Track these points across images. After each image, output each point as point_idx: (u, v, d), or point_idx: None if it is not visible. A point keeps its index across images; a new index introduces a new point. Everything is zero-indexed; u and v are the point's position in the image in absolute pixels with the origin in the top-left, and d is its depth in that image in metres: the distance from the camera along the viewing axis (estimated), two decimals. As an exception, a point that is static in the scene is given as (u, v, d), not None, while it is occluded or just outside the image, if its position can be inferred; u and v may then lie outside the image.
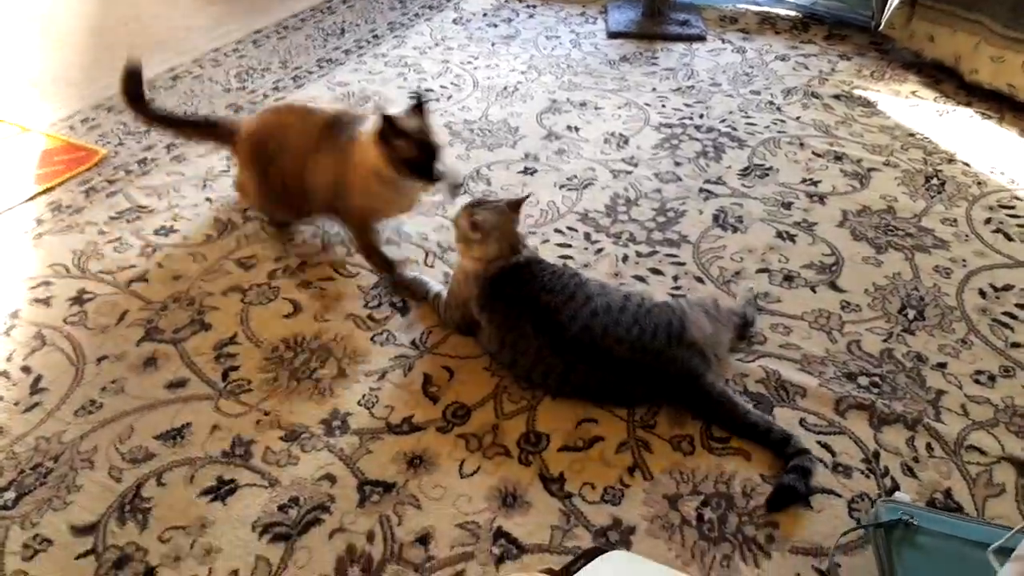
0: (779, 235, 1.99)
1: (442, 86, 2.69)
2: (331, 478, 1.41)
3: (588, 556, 0.77)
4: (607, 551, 0.72)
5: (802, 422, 1.51)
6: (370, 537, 1.32)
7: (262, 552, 1.30)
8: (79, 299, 1.80)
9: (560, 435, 1.49)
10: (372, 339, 1.70)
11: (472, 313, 1.61)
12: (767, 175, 2.21)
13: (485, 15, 3.22)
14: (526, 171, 2.24)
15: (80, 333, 1.71)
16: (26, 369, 1.62)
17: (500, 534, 1.32)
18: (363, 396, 1.57)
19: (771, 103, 2.56)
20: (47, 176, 2.20)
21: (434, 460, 1.45)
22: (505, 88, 2.67)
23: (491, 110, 2.54)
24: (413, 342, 1.69)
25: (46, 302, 1.79)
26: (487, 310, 1.58)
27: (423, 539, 1.32)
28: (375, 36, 3.05)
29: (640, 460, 1.44)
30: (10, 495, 1.38)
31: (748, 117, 2.48)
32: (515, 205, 1.62)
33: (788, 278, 1.85)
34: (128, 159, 2.29)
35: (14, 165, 2.25)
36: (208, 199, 2.12)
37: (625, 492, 1.39)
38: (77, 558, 1.29)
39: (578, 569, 0.74)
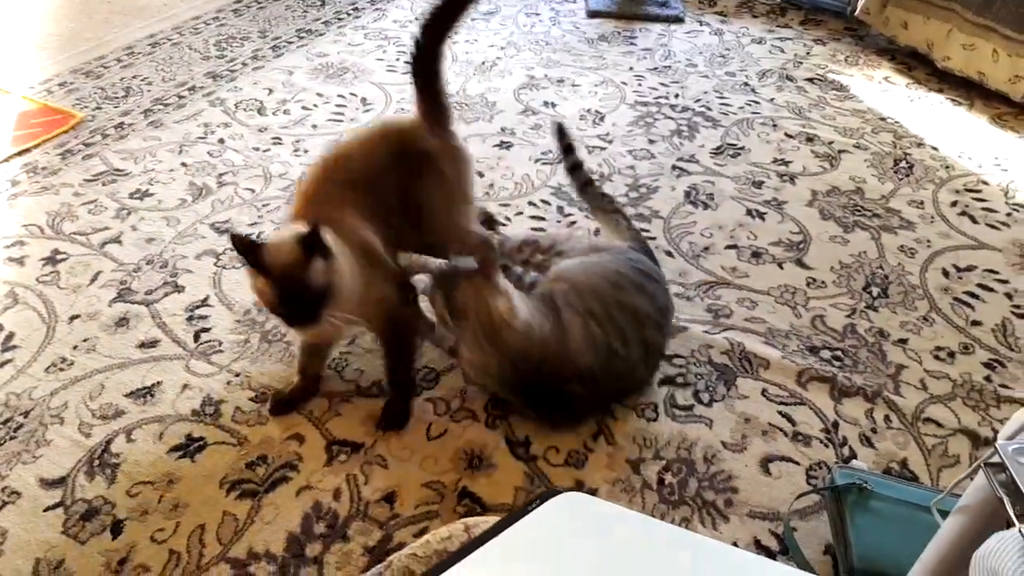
0: (749, 213, 2.02)
1: (422, 60, 2.69)
2: (299, 438, 1.43)
3: (543, 498, 0.79)
4: (562, 492, 0.74)
5: (764, 392, 1.54)
6: (336, 495, 1.34)
7: (229, 508, 1.32)
8: (52, 259, 1.79)
9: (527, 400, 1.52)
10: (344, 304, 1.71)
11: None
12: (739, 154, 2.24)
13: (467, -9, 3.21)
14: (502, 144, 2.26)
15: (53, 292, 1.71)
16: (-3, 327, 1.63)
17: (465, 494, 1.35)
18: (333, 360, 1.59)
19: (746, 84, 2.59)
20: (23, 138, 2.19)
21: (402, 422, 1.47)
22: (483, 63, 2.68)
23: (469, 84, 2.55)
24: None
25: (20, 261, 1.79)
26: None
27: (388, 497, 1.34)
28: (355, 8, 3.04)
29: (604, 426, 1.47)
30: (-21, 449, 1.39)
31: (723, 98, 2.51)
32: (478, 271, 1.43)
33: (756, 254, 1.89)
34: (105, 123, 2.28)
35: (-13, 126, 2.24)
36: (184, 164, 2.12)
37: (589, 456, 1.42)
38: (45, 510, 1.30)
39: (533, 509, 0.76)
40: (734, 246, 1.91)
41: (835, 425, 1.48)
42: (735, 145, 2.28)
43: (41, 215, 1.92)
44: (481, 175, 2.10)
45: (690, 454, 1.43)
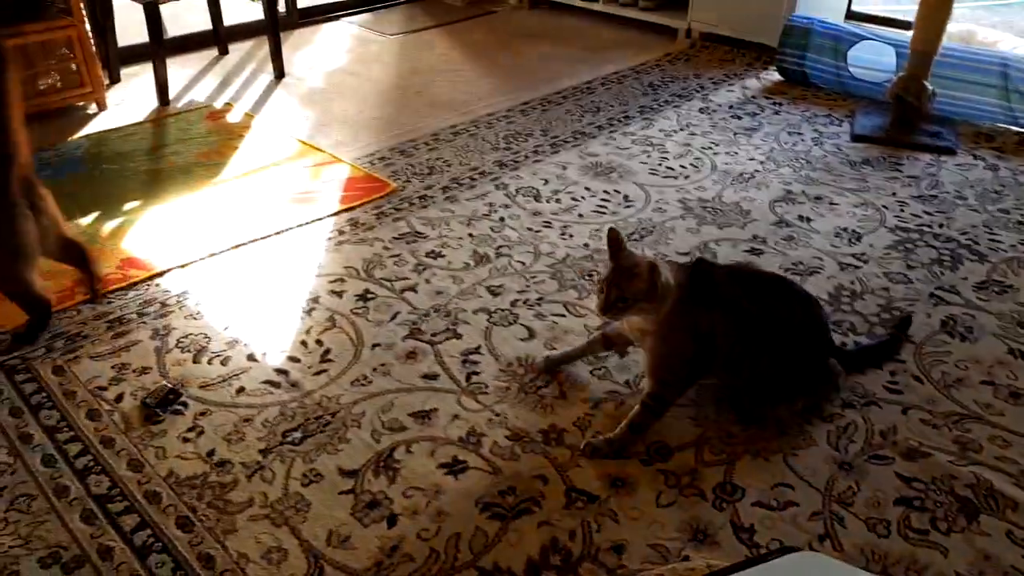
0: (1011, 352, 1.96)
1: (681, 166, 2.92)
2: (543, 479, 1.63)
3: (780, 552, 0.90)
4: (795, 550, 0.85)
5: (1008, 533, 1.50)
6: (571, 535, 1.51)
7: (481, 524, 1.53)
8: (364, 296, 2.19)
9: (755, 491, 1.60)
10: (591, 372, 1.91)
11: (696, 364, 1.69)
12: (1006, 292, 2.18)
13: (731, 107, 3.43)
14: (752, 251, 2.38)
15: (361, 323, 2.08)
16: (319, 342, 2.01)
17: (687, 560, 1.45)
18: (578, 418, 1.78)
19: (1020, 223, 2.51)
20: (350, 198, 2.69)
21: (635, 485, 1.61)
22: (742, 174, 2.84)
23: (725, 192, 2.72)
24: (627, 382, 1.88)
25: (339, 294, 2.20)
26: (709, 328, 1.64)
27: (617, 548, 1.48)
28: (626, 116, 3.36)
29: (831, 531, 1.51)
30: (297, 435, 1.73)
31: (992, 234, 2.46)
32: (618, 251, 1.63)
33: (1015, 395, 1.83)
34: (411, 194, 2.73)
35: (325, 186, 2.78)
36: (470, 234, 2.48)
37: (812, 554, 1.47)
38: (340, 493, 1.60)
39: (770, 559, 0.85)
40: (991, 383, 1.86)
41: (1090, 581, 1.40)
42: (1002, 283, 2.22)
43: (358, 260, 2.35)
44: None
45: (920, 576, 1.42)
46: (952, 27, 3.36)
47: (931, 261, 2.32)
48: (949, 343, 1.99)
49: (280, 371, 1.92)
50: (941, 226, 2.50)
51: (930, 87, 3.04)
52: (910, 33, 3.09)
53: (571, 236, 2.48)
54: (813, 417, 1.76)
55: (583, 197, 2.71)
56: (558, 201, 2.69)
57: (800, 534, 1.50)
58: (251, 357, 1.96)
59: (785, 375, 1.71)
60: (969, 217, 2.55)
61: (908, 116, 3.10)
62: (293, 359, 1.95)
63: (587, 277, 2.26)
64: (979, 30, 3.76)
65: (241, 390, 1.86)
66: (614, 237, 1.63)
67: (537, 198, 2.70)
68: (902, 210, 2.60)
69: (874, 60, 3.45)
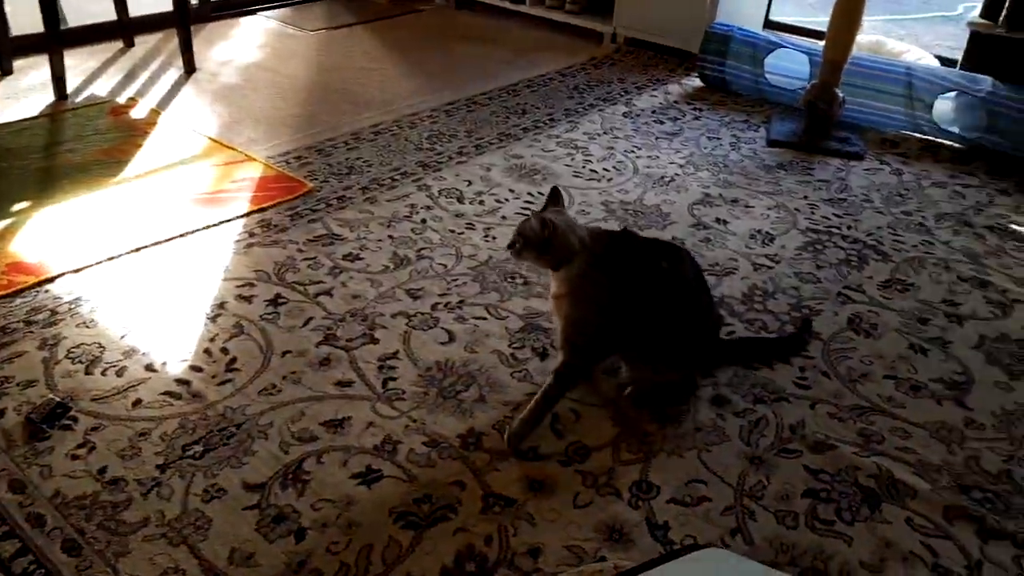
0: (912, 347, 2.04)
1: (605, 168, 2.94)
2: (461, 485, 1.60)
3: (688, 549, 0.90)
4: (702, 547, 0.85)
5: (908, 520, 1.55)
6: (487, 541, 1.49)
7: (394, 534, 1.49)
8: (275, 301, 2.12)
9: (670, 488, 1.61)
10: (511, 375, 1.90)
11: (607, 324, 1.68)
12: (908, 290, 2.27)
13: (653, 112, 3.48)
14: (672, 253, 2.41)
15: (272, 329, 2.02)
16: (224, 350, 1.94)
17: (603, 560, 1.45)
18: (497, 421, 1.76)
19: (922, 225, 2.62)
20: (262, 199, 2.61)
21: (553, 487, 1.60)
22: (662, 177, 2.88)
23: (647, 195, 2.76)
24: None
25: (248, 299, 2.12)
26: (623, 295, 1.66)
27: (534, 552, 1.47)
28: (551, 119, 3.37)
29: (743, 525, 1.54)
30: (199, 448, 1.66)
31: (896, 235, 2.56)
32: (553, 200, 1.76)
33: (915, 388, 1.90)
34: (329, 194, 2.67)
35: (235, 186, 2.68)
36: (390, 236, 2.44)
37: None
38: (244, 509, 1.53)
39: (680, 555, 0.85)
40: (893, 376, 1.93)
41: (979, 564, 1.46)
42: (904, 281, 2.31)
43: (269, 264, 2.28)
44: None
45: (826, 567, 1.45)
46: (862, 38, 3.51)
47: (839, 261, 2.40)
48: (855, 339, 2.06)
49: (181, 381, 1.83)
50: (849, 228, 2.59)
51: (840, 95, 3.15)
52: (823, 42, 3.20)
53: (494, 238, 2.46)
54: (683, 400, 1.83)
55: (507, 199, 2.70)
56: (481, 203, 2.67)
57: (713, 529, 1.52)
58: (150, 367, 1.87)
59: (681, 350, 1.75)
60: (875, 219, 2.65)
61: (820, 122, 3.21)
62: (196, 368, 1.87)
63: (509, 279, 2.25)
64: (887, 41, 3.92)
65: (138, 402, 1.77)
66: (554, 192, 1.77)
67: (460, 200, 2.68)
68: (813, 212, 2.68)
69: (789, 68, 3.56)
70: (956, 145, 3.20)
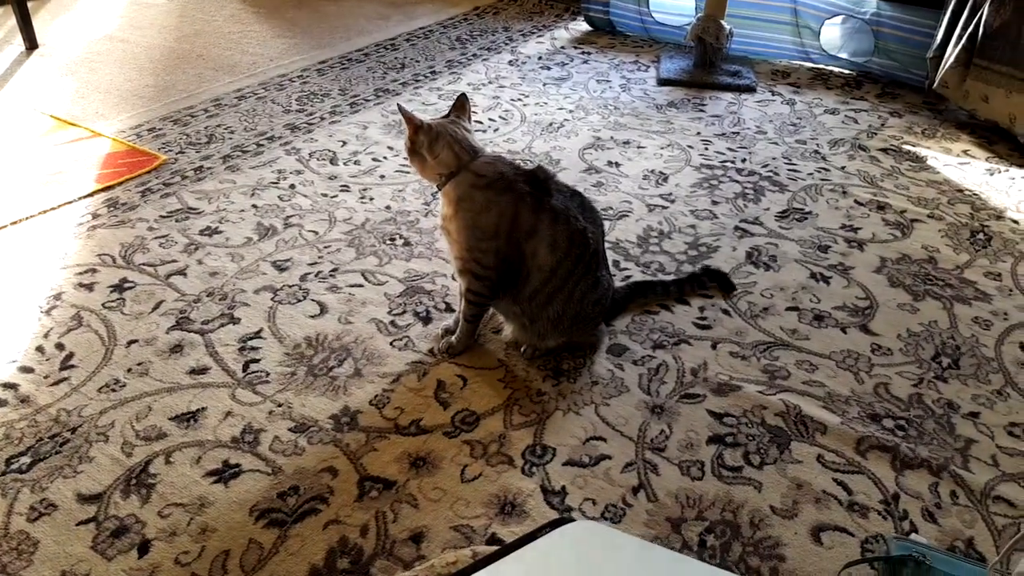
0: (813, 276, 1.95)
1: (490, 119, 2.76)
2: (333, 471, 1.42)
3: (555, 524, 0.76)
4: (571, 520, 0.70)
5: (819, 458, 1.45)
6: (363, 531, 1.31)
7: (256, 536, 1.30)
8: (120, 287, 1.87)
9: (567, 450, 1.47)
10: (391, 344, 1.71)
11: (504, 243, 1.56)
12: (806, 219, 2.18)
13: (540, 58, 3.31)
14: (563, 201, 2.26)
15: (116, 317, 1.77)
16: (60, 346, 1.69)
17: (494, 540, 1.30)
18: (375, 396, 1.58)
19: (816, 152, 2.54)
20: (108, 176, 2.32)
21: (437, 463, 1.44)
22: (551, 124, 2.72)
23: (535, 143, 2.59)
24: (431, 350, 1.70)
25: (89, 287, 1.87)
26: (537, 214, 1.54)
27: (416, 538, 1.30)
28: (433, 72, 3.16)
29: (646, 481, 1.41)
30: (25, 460, 1.42)
31: (791, 164, 2.47)
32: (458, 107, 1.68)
33: (818, 317, 1.81)
34: (186, 166, 2.40)
35: (79, 165, 2.38)
36: (254, 206, 2.20)
37: (627, 511, 1.35)
38: (78, 524, 1.31)
39: (543, 534, 0.72)
40: (795, 308, 1.84)
41: (895, 497, 1.37)
42: (802, 210, 2.23)
43: (115, 246, 2.02)
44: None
45: (736, 517, 1.34)
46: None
47: (735, 196, 2.30)
48: (755, 273, 1.96)
49: (8, 385, 1.58)
50: (743, 161, 2.49)
51: (727, 27, 3.05)
52: (705, -26, 3.08)
53: (371, 199, 2.26)
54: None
55: (385, 157, 2.49)
56: (357, 163, 2.45)
57: (614, 489, 1.39)
58: (-33, 372, 1.61)
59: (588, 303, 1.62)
60: (769, 150, 2.56)
61: (709, 57, 3.10)
62: (25, 369, 1.62)
63: (389, 242, 2.06)
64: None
65: (-51, 413, 1.51)
66: (459, 99, 1.70)
67: (333, 161, 2.45)
68: (706, 148, 2.57)
69: (675, 5, 3.45)
70: (846, 71, 3.15)
